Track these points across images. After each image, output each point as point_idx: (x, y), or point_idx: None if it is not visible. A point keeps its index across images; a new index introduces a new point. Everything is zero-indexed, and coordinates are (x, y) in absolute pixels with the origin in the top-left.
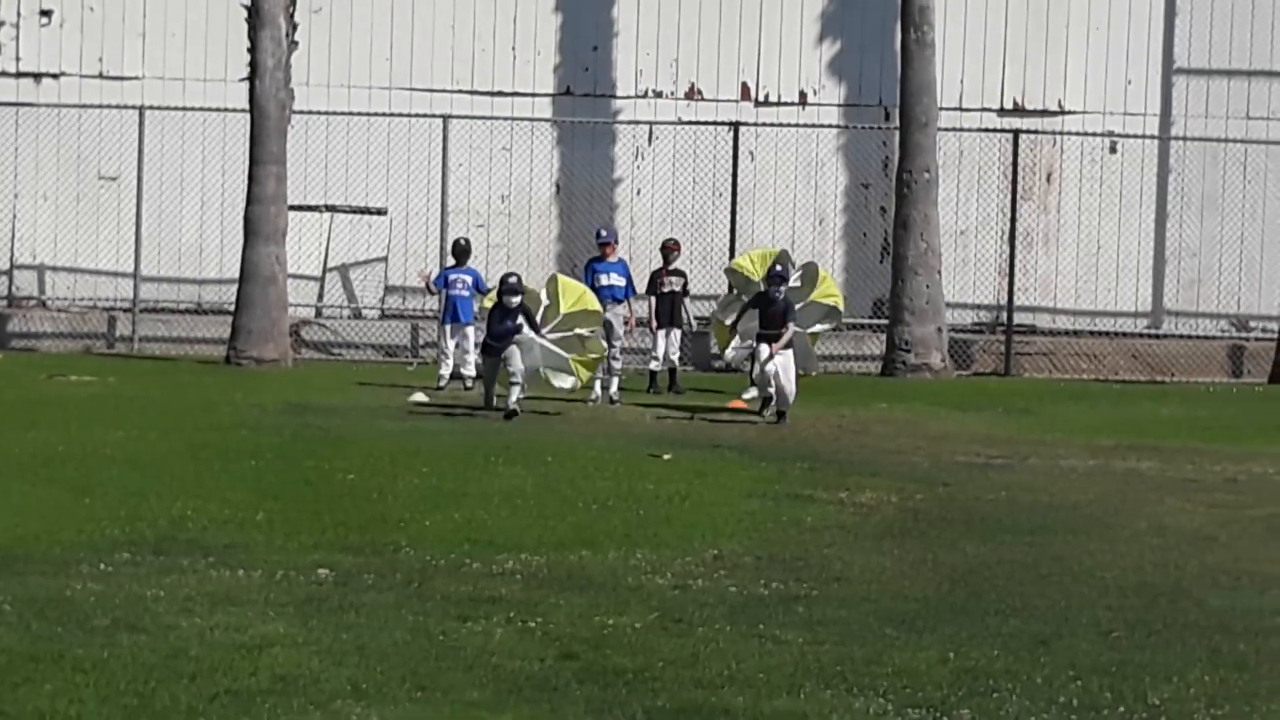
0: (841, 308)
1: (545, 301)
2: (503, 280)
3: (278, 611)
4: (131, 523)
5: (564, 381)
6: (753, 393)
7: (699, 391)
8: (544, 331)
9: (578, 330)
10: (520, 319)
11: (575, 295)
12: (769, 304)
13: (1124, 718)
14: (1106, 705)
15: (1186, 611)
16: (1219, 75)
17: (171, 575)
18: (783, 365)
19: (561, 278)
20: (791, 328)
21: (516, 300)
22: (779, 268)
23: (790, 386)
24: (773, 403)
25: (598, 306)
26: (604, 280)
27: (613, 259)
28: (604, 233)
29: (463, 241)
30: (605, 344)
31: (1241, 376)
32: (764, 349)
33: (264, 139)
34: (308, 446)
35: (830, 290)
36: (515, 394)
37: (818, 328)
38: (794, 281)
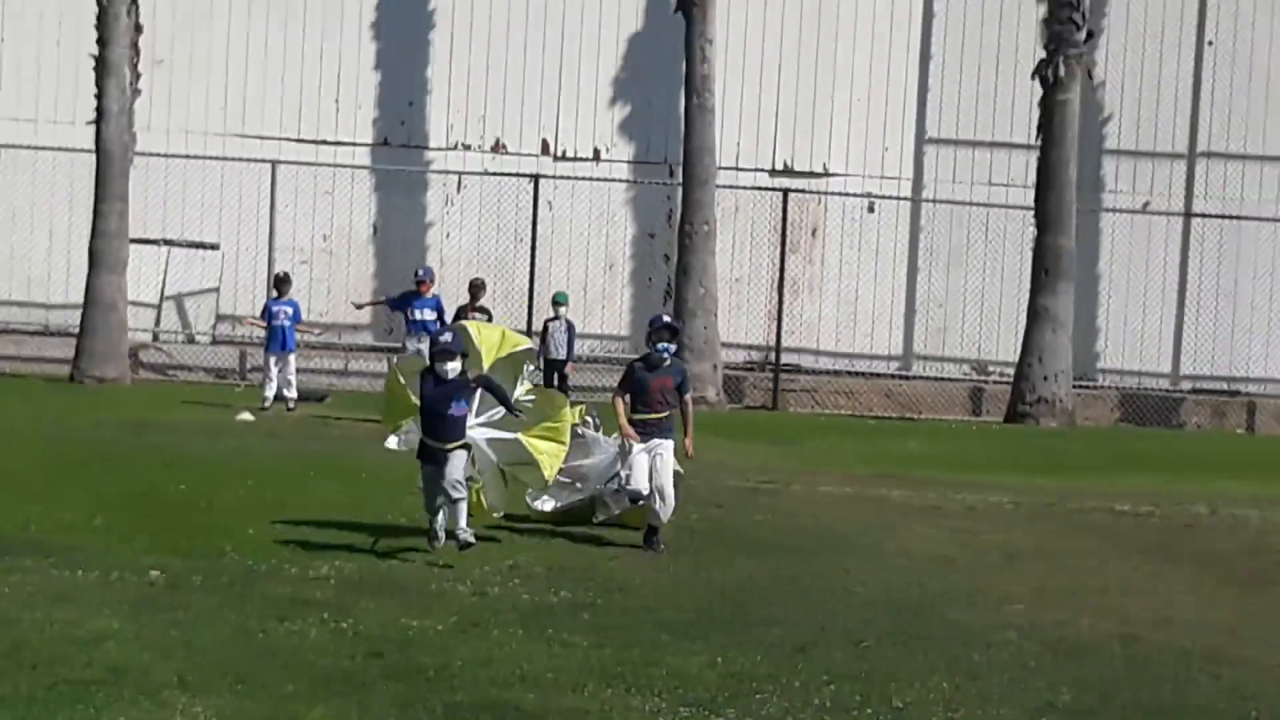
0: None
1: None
2: (432, 341)
3: (112, 609)
4: None
5: (542, 499)
6: (549, 504)
7: None
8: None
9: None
10: (473, 398)
11: (494, 340)
12: (651, 370)
13: (871, 718)
14: (856, 707)
15: (929, 625)
16: (965, 145)
17: (16, 574)
18: (664, 462)
19: (469, 324)
20: (689, 402)
21: (453, 369)
22: (666, 319)
23: (671, 491)
24: (653, 516)
25: (521, 340)
26: (418, 315)
27: (428, 295)
28: (421, 271)
29: (282, 274)
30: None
31: (981, 415)
32: (636, 447)
33: (108, 178)
34: (144, 459)
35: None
36: (463, 517)
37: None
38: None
